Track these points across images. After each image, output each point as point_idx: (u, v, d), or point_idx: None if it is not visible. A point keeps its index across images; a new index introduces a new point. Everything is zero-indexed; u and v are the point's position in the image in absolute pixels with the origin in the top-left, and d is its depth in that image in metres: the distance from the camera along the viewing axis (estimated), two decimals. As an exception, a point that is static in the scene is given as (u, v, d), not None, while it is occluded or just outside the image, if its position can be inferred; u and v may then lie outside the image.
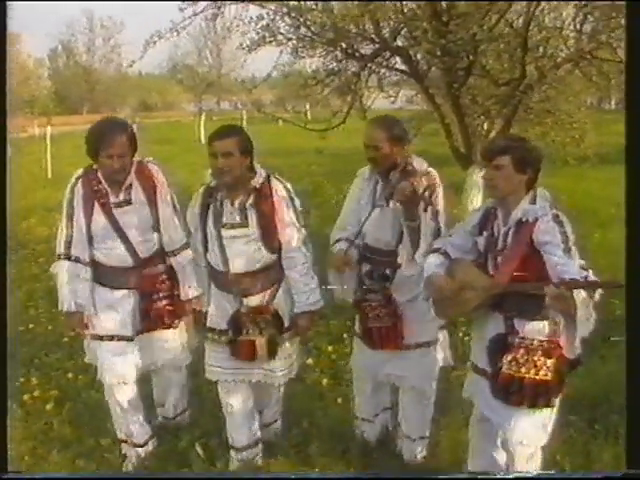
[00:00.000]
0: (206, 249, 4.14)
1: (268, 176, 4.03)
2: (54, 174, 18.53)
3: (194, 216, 4.15)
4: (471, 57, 6.81)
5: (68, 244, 4.14)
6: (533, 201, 3.52)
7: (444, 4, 6.61)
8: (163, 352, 4.41)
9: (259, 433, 4.35)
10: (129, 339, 4.24)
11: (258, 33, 7.62)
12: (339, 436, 4.51)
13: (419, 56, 7.62)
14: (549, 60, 7.39)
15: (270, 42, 7.58)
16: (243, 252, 4.01)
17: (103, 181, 4.08)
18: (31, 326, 6.76)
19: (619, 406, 4.13)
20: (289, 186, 4.07)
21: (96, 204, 4.08)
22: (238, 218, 3.99)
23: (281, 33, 7.62)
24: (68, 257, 4.14)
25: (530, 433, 3.57)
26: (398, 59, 7.83)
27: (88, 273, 4.17)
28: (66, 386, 5.38)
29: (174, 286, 4.28)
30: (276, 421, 4.62)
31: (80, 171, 4.17)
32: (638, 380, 2.93)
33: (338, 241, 4.32)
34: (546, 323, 3.48)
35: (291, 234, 4.03)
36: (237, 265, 4.03)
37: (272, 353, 4.07)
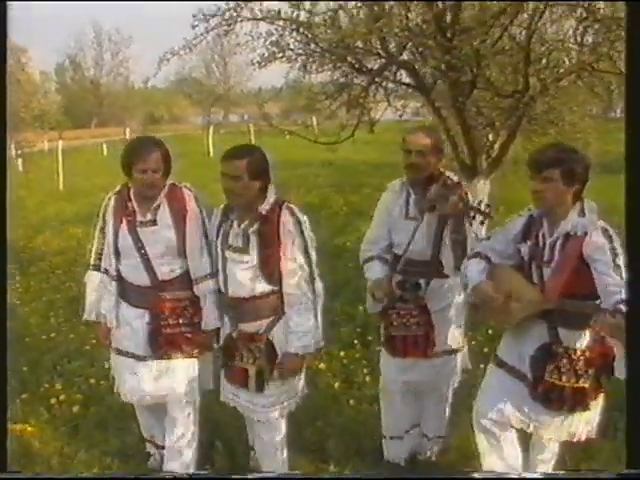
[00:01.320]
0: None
1: (280, 205, 3.92)
2: (66, 187, 18.77)
3: (210, 233, 4.13)
4: (475, 71, 6.98)
5: (99, 256, 4.23)
6: (582, 213, 3.50)
7: (448, 20, 6.79)
8: (172, 384, 4.21)
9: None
10: (141, 359, 4.20)
11: (268, 49, 7.83)
12: (353, 433, 4.67)
13: (425, 70, 7.81)
14: (551, 72, 7.55)
15: (280, 58, 7.78)
16: (241, 277, 3.93)
17: (133, 199, 4.12)
18: (53, 335, 6.97)
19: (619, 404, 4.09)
20: (303, 219, 3.92)
21: (124, 220, 4.10)
22: (240, 242, 3.93)
23: (290, 49, 7.79)
24: (98, 268, 4.23)
25: (565, 432, 3.71)
26: (404, 73, 8.01)
27: (114, 286, 4.21)
28: (89, 391, 5.56)
29: (196, 315, 4.20)
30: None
31: (117, 187, 4.22)
32: (638, 380, 2.93)
33: (370, 259, 4.38)
34: (588, 333, 3.55)
35: (292, 271, 3.88)
36: (234, 289, 3.97)
37: (259, 385, 3.97)
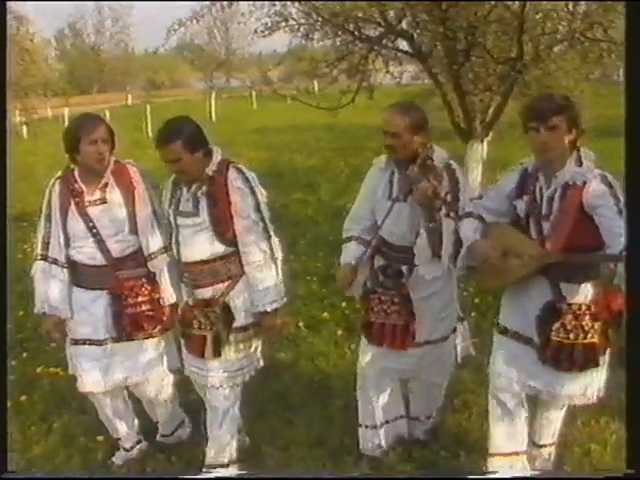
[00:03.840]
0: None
1: (226, 165, 3.85)
2: (71, 153, 19.01)
3: (162, 206, 4.07)
4: (469, 39, 7.31)
5: (45, 245, 4.07)
6: (579, 162, 3.37)
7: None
8: (141, 365, 4.14)
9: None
10: (101, 343, 4.06)
11: (271, 17, 8.16)
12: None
13: (422, 38, 8.12)
14: (544, 40, 7.82)
15: (283, 27, 8.10)
16: (193, 241, 3.86)
17: (79, 180, 3.99)
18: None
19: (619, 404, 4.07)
20: (251, 176, 3.85)
21: (72, 203, 3.98)
22: (191, 206, 3.85)
23: (293, 18, 8.13)
24: (45, 258, 4.07)
25: (579, 394, 3.58)
26: (403, 41, 8.35)
27: (65, 275, 4.06)
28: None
29: (155, 291, 4.10)
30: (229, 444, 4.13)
31: (59, 173, 4.09)
32: (638, 380, 2.76)
33: (348, 240, 4.15)
34: (592, 286, 3.42)
35: (246, 227, 3.81)
36: (187, 254, 3.89)
37: (216, 351, 3.88)
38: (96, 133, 3.86)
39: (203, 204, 3.81)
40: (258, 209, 3.83)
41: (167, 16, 8.41)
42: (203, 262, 3.86)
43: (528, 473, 3.79)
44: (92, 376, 4.07)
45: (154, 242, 4.05)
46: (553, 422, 3.95)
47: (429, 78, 8.87)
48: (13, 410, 4.75)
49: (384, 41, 8.37)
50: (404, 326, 4.00)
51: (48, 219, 4.06)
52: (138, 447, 4.41)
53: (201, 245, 3.84)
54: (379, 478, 4.14)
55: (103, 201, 3.99)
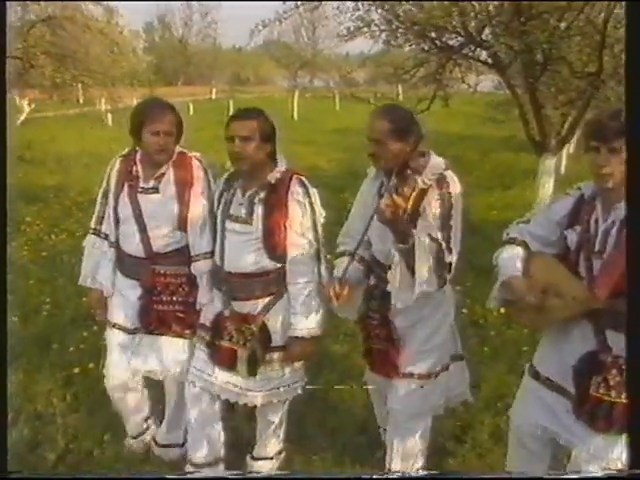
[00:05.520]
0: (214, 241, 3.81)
1: (290, 175, 3.60)
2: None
3: (211, 203, 3.85)
4: (548, 52, 7.34)
5: (100, 220, 4.00)
6: None
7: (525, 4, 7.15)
8: (165, 361, 4.02)
9: (222, 452, 4.01)
10: (130, 332, 3.99)
11: (354, 22, 8.33)
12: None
13: (500, 50, 8.16)
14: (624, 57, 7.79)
15: (364, 33, 8.26)
16: (240, 250, 3.61)
17: (138, 164, 3.88)
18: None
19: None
20: (313, 191, 3.60)
21: (126, 185, 3.88)
22: (244, 212, 3.60)
23: (375, 24, 8.28)
24: (98, 233, 4.01)
25: (609, 459, 3.02)
26: (482, 52, 8.42)
27: (112, 254, 4.00)
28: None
29: (192, 294, 3.93)
30: (270, 459, 4.09)
31: (124, 151, 4.00)
32: (638, 379, 2.57)
33: (340, 255, 3.76)
34: None
35: (299, 244, 3.56)
36: (230, 262, 3.65)
37: (251, 370, 3.68)
38: (160, 124, 3.71)
39: (258, 212, 3.56)
40: (315, 228, 3.59)
41: (254, 14, 8.65)
42: (247, 274, 3.63)
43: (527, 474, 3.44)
44: (116, 362, 4.02)
45: (202, 244, 3.86)
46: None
47: (507, 88, 8.91)
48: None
49: (464, 50, 8.45)
50: (388, 353, 3.70)
51: (105, 195, 3.99)
52: (143, 435, 4.33)
53: (248, 256, 3.59)
54: (379, 478, 4.08)
55: (156, 191, 3.85)
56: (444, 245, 3.29)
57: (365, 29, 8.29)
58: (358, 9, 8.27)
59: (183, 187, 3.84)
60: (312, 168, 14.79)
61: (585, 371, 3.01)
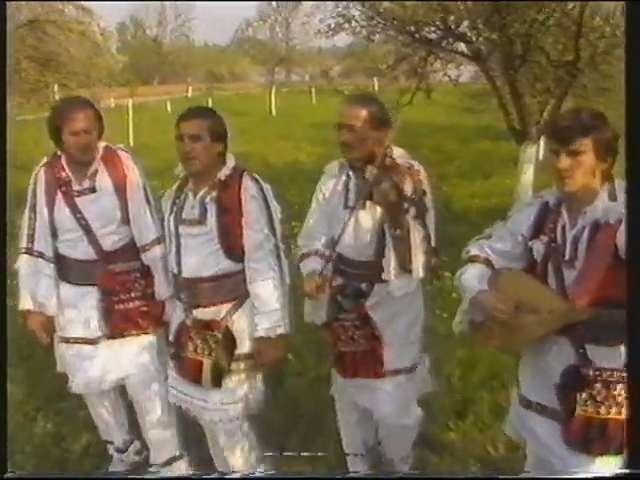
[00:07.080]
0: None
1: (240, 172, 3.43)
2: (135, 143, 19.62)
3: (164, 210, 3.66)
4: (526, 44, 7.53)
5: (31, 238, 3.76)
6: (613, 197, 2.68)
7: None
8: (132, 364, 3.81)
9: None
10: (93, 342, 3.76)
11: (334, 18, 8.50)
12: None
13: (479, 42, 8.36)
14: (603, 44, 7.93)
15: (345, 29, 8.43)
16: (197, 254, 3.43)
17: (66, 167, 3.70)
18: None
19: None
20: (267, 187, 3.45)
21: (58, 193, 3.69)
22: (197, 213, 3.43)
23: (355, 20, 8.45)
24: (30, 252, 3.76)
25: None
26: (461, 44, 8.61)
27: (51, 269, 3.76)
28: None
29: (149, 285, 3.79)
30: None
31: (44, 159, 3.80)
32: (638, 380, 2.43)
33: (307, 255, 3.62)
34: (623, 348, 2.64)
35: (257, 241, 3.37)
36: (188, 268, 3.46)
37: (216, 380, 3.45)
38: (77, 123, 3.54)
39: (212, 211, 3.40)
40: (272, 224, 3.42)
41: (227, 10, 8.77)
42: (206, 279, 3.44)
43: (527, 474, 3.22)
44: (85, 376, 3.80)
45: (147, 232, 3.73)
46: None
47: (486, 79, 9.08)
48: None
49: (443, 43, 8.63)
50: (370, 351, 3.53)
51: (33, 209, 3.75)
52: (132, 446, 4.12)
53: (205, 258, 3.41)
54: (379, 478, 3.92)
55: (92, 190, 3.68)
56: (430, 230, 3.27)
57: (346, 25, 8.45)
58: (338, 7, 8.45)
59: (118, 180, 3.70)
60: (293, 162, 14.74)
61: (569, 388, 2.77)
